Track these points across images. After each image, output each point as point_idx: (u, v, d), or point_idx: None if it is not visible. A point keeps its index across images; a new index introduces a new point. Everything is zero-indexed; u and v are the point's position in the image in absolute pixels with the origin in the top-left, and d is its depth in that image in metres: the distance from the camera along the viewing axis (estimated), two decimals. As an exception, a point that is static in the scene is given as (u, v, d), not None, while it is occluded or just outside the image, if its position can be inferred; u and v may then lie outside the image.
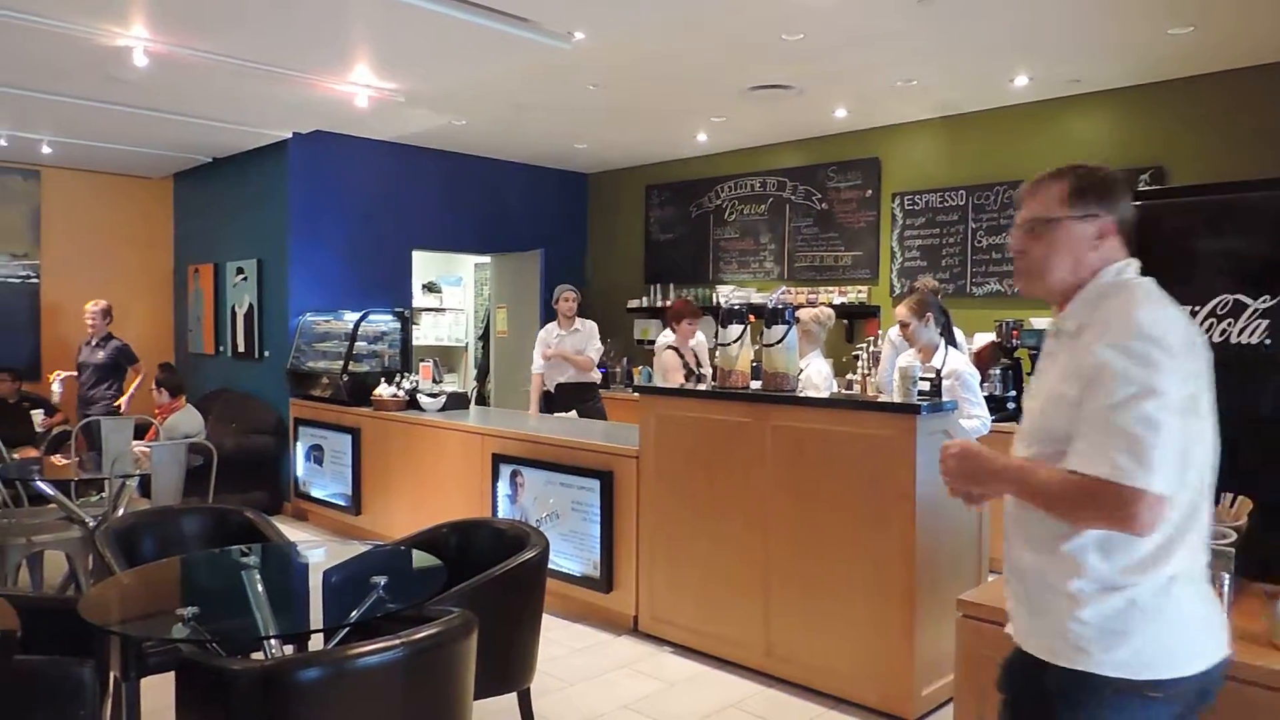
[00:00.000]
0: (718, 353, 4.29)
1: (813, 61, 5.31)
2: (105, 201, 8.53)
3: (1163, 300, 1.69)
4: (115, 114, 6.23)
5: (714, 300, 7.79)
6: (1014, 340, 5.59)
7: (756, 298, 7.28)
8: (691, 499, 4.17)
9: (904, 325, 4.43)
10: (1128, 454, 1.51)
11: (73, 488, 4.91)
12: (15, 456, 5.90)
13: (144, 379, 7.09)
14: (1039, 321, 5.61)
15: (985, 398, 5.50)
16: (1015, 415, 5.38)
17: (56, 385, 7.09)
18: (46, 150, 7.37)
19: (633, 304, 8.36)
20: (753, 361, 4.28)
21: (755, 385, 4.21)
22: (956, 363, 4.19)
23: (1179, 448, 1.55)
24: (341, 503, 6.46)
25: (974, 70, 5.55)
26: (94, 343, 7.05)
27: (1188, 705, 1.64)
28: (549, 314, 7.87)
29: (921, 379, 4.42)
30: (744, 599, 3.97)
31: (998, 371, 5.57)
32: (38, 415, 7.42)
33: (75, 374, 7.13)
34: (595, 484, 4.51)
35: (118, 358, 7.05)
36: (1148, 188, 5.28)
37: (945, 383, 3.92)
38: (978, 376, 4.33)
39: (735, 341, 4.16)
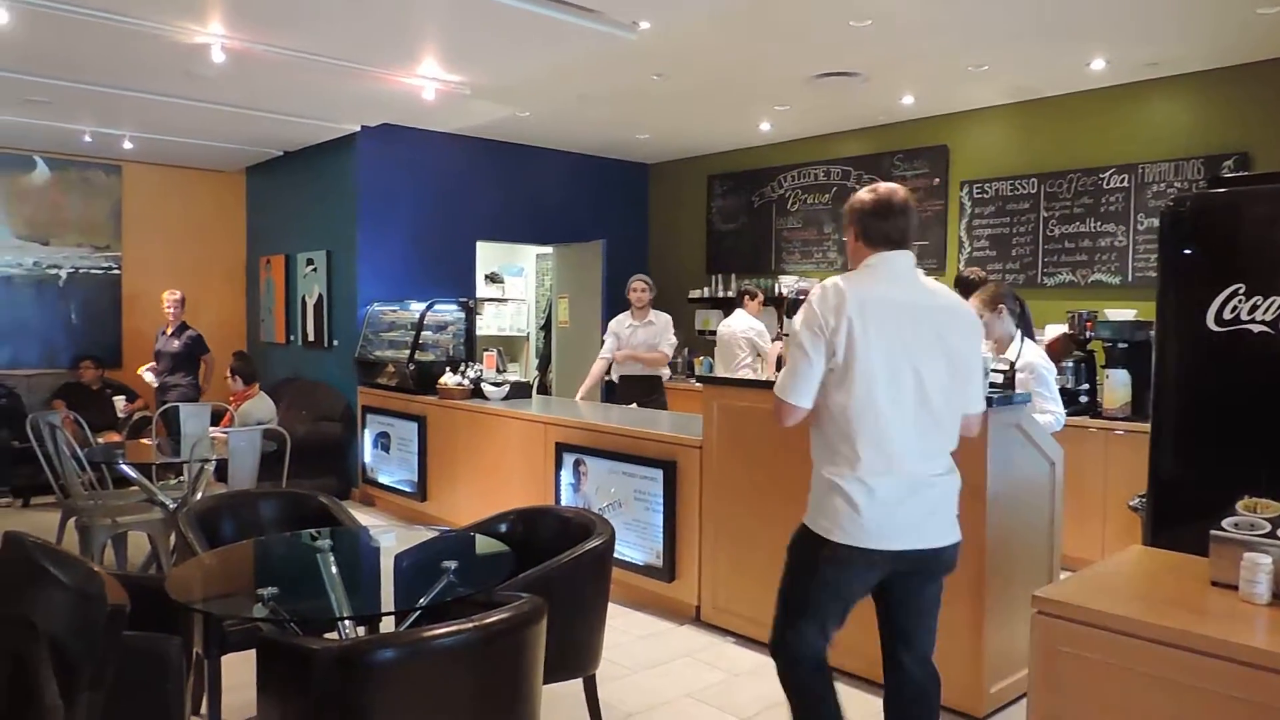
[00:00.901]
0: (782, 342, 4.26)
1: (881, 48, 5.23)
2: (182, 195, 8.81)
3: (849, 287, 2.44)
4: (192, 109, 6.42)
5: (776, 290, 7.75)
6: (1088, 332, 5.44)
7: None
8: (755, 490, 4.15)
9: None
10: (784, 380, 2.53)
11: (153, 471, 5.10)
12: (99, 441, 6.15)
13: (213, 369, 7.31)
14: (1114, 313, 5.46)
15: (1058, 391, 5.39)
16: (1089, 409, 5.27)
17: (150, 376, 7.33)
18: (127, 145, 7.63)
19: (694, 294, 8.34)
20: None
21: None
22: (1031, 355, 4.08)
23: (809, 382, 2.47)
24: (407, 489, 6.59)
25: (1048, 54, 5.41)
26: (170, 331, 7.28)
27: (879, 571, 2.53)
28: (611, 304, 7.90)
29: (994, 371, 4.33)
30: (808, 591, 3.94)
31: (1070, 364, 5.43)
32: (119, 401, 7.71)
33: (154, 363, 7.38)
34: (658, 474, 4.52)
35: (192, 347, 7.27)
36: (1231, 174, 5.09)
37: (1019, 376, 3.84)
38: (1053, 370, 4.22)
39: (800, 332, 4.11)
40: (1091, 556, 4.83)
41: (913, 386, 2.43)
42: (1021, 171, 6.42)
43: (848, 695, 3.81)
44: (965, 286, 5.71)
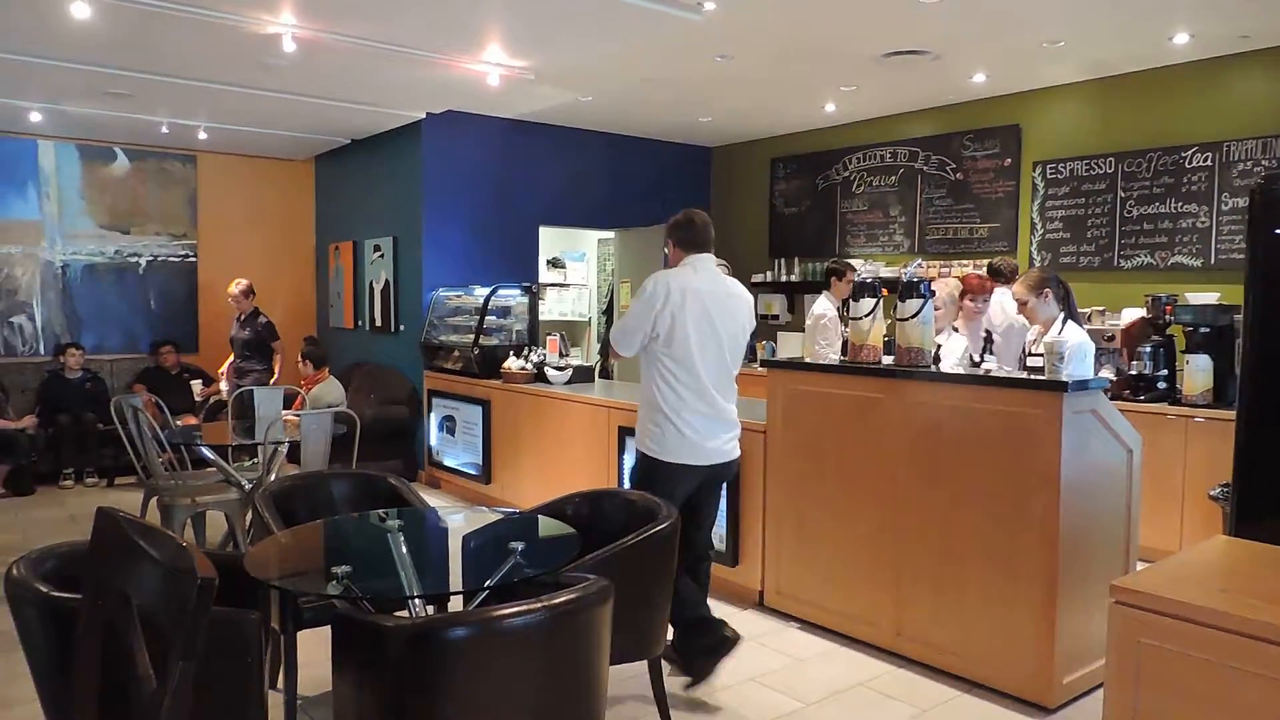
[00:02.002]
0: (849, 326, 4.21)
1: (952, 25, 5.09)
2: (253, 184, 9.04)
3: (672, 278, 3.47)
4: (264, 99, 6.56)
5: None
6: (1166, 316, 5.25)
7: (885, 272, 7.09)
8: (820, 475, 4.12)
9: (1022, 304, 4.27)
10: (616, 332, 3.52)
11: (229, 453, 5.25)
12: (178, 423, 6.36)
13: (283, 356, 7.47)
14: (1195, 297, 5.26)
15: (1133, 376, 5.23)
16: (1167, 395, 5.10)
17: (224, 386, 7.60)
18: (202, 136, 7.85)
19: (757, 278, 8.27)
20: (885, 336, 4.19)
21: (887, 360, 4.12)
22: (1071, 335, 4.00)
23: (636, 338, 3.44)
24: (472, 471, 6.68)
25: (1128, 28, 5.21)
26: (241, 319, 7.47)
27: (690, 477, 3.49)
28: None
29: (1033, 355, 4.23)
30: (874, 577, 3.91)
31: (1148, 349, 5.25)
32: (196, 385, 7.96)
33: (231, 358, 7.58)
34: (722, 458, 4.50)
35: (262, 334, 7.43)
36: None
37: (1043, 356, 3.75)
38: (1092, 349, 4.14)
39: (868, 315, 4.06)
40: (1169, 548, 4.69)
41: (714, 347, 3.50)
42: (1098, 151, 6.21)
43: (851, 658, 3.81)
44: (996, 275, 5.65)
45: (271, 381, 7.44)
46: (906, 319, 3.92)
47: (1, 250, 7.90)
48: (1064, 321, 4.12)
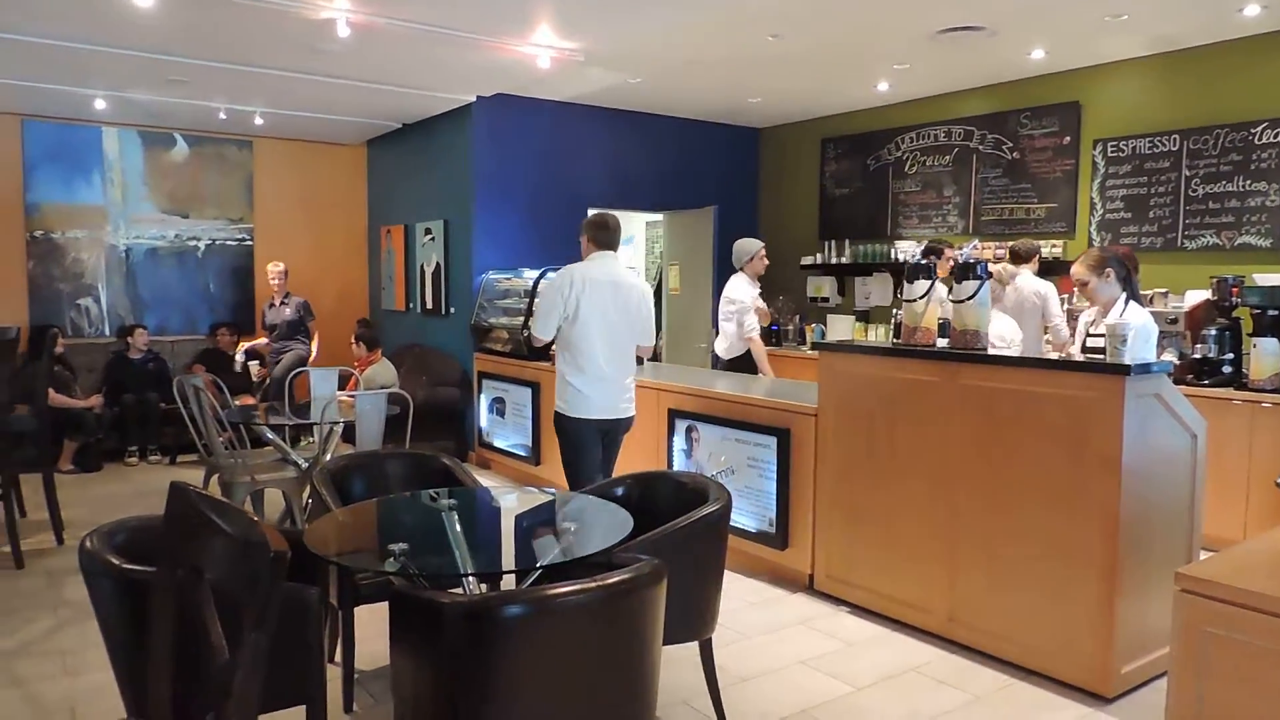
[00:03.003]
0: (902, 309, 4.15)
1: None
2: (307, 168, 9.18)
3: (578, 270, 4.19)
4: (318, 85, 6.65)
5: (892, 256, 7.55)
6: (1233, 298, 5.09)
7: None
8: (872, 459, 4.08)
9: (1083, 284, 4.16)
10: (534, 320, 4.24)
11: (286, 433, 5.37)
12: (236, 403, 6.51)
13: (318, 333, 7.63)
14: (1263, 278, 5.09)
15: (1197, 360, 5.09)
16: (1233, 380, 4.96)
17: (240, 356, 7.80)
18: (258, 121, 7.98)
19: (806, 260, 8.20)
20: (939, 318, 4.12)
21: (941, 343, 4.06)
22: (1133, 317, 3.88)
23: (550, 321, 4.13)
24: (522, 453, 6.74)
25: (1196, 1, 5.04)
26: (278, 302, 7.61)
27: (593, 432, 4.20)
28: (723, 271, 7.84)
29: (1093, 335, 4.13)
30: (926, 562, 3.87)
31: (1213, 332, 5.10)
32: (253, 366, 8.13)
33: (264, 338, 7.74)
34: (772, 441, 4.49)
35: (302, 312, 7.59)
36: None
37: (1103, 338, 3.66)
38: (1155, 332, 4.02)
39: (921, 297, 4.01)
40: (1233, 536, 4.57)
41: (608, 327, 4.19)
42: (1161, 128, 6.03)
43: (902, 643, 3.75)
44: (1016, 257, 5.61)
45: (310, 360, 7.58)
46: (962, 301, 3.86)
47: (69, 235, 8.13)
48: (1126, 302, 4.01)
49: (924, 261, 4.09)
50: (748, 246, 6.16)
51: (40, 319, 7.90)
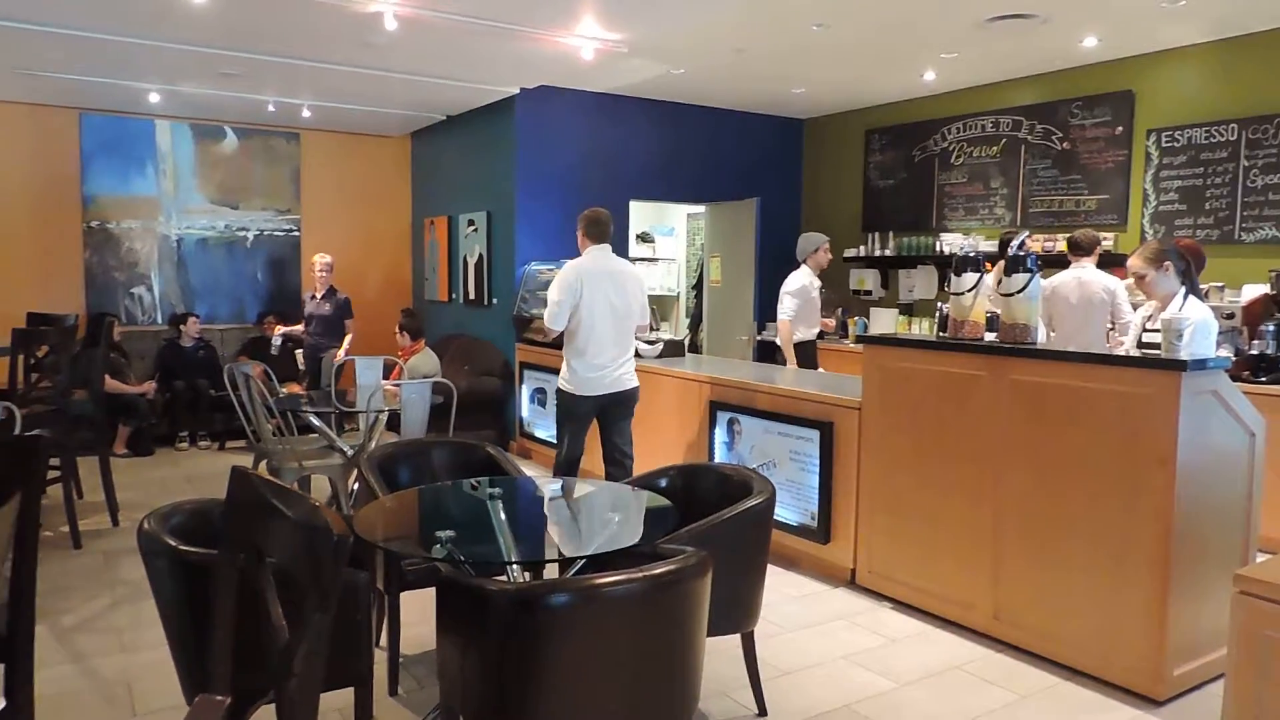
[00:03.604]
0: (948, 302, 4.10)
1: (1062, -14, 4.87)
2: (353, 160, 9.29)
3: (577, 264, 4.73)
4: (364, 77, 6.72)
5: (936, 249, 7.45)
6: (1293, 292, 4.96)
7: (985, 245, 6.87)
8: (917, 453, 4.04)
9: (1139, 278, 4.05)
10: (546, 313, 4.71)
11: (332, 420, 5.45)
12: (283, 391, 6.62)
13: (354, 334, 7.67)
14: (1326, 271, 4.95)
15: (1254, 356, 4.96)
16: (1293, 377, 4.82)
17: (276, 340, 7.85)
18: (306, 114, 8.09)
19: (849, 253, 8.12)
20: (987, 312, 4.07)
21: (989, 337, 4.01)
22: (1193, 312, 3.78)
23: (563, 314, 4.60)
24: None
25: (1258, -15, 4.90)
26: (319, 295, 7.67)
27: (590, 409, 4.72)
28: (764, 263, 7.82)
29: (1149, 330, 4.03)
30: (971, 559, 3.82)
31: (1271, 327, 4.97)
32: (299, 355, 8.26)
33: (302, 326, 7.80)
34: (815, 434, 4.46)
35: (342, 311, 7.62)
36: None
37: (1158, 333, 3.57)
38: (1215, 328, 3.90)
39: (970, 290, 3.95)
40: (1291, 537, 4.46)
41: (607, 312, 4.65)
42: (1219, 117, 5.88)
43: (945, 640, 3.70)
44: (1076, 249, 5.32)
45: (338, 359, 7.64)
46: (1012, 294, 3.80)
47: (124, 225, 8.32)
48: (1185, 297, 3.90)
49: (971, 254, 4.03)
50: (812, 240, 6.25)
51: (96, 307, 8.09)
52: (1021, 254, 3.87)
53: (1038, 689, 3.41)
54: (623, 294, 4.70)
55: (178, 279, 8.59)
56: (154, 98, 7.49)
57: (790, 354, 6.13)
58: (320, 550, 1.20)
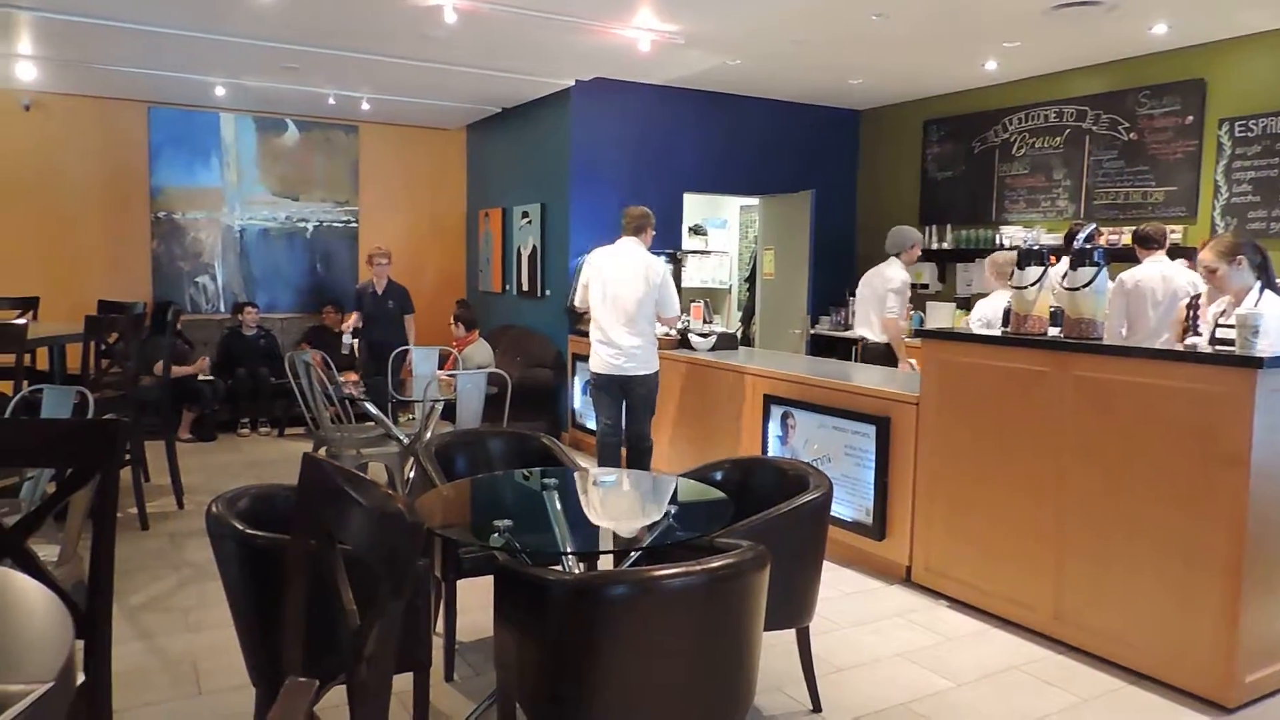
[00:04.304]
0: (1013, 296, 4.02)
1: (1133, -28, 4.73)
2: (409, 152, 9.40)
3: (602, 250, 5.27)
4: (423, 70, 6.80)
5: (996, 242, 7.31)
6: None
7: (1047, 239, 6.72)
8: (977, 450, 3.97)
9: (1211, 272, 3.91)
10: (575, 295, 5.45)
11: (390, 409, 5.53)
12: (342, 380, 6.73)
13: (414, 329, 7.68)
14: None
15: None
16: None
17: (347, 338, 7.80)
18: (365, 107, 8.21)
19: (906, 247, 7.99)
20: (1051, 306, 3.98)
21: (1053, 332, 3.92)
22: (1269, 307, 3.65)
23: (579, 292, 5.29)
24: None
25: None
26: (379, 290, 7.65)
27: (604, 384, 5.22)
28: (819, 256, 7.74)
29: (1222, 325, 3.90)
30: (1032, 558, 3.75)
31: (1351, 325, 4.77)
32: (356, 344, 8.37)
33: (356, 316, 7.80)
34: (871, 429, 4.41)
35: (403, 306, 7.61)
36: None
37: (1237, 330, 3.42)
38: None
39: (1034, 284, 3.87)
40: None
41: (614, 300, 5.08)
42: (1297, 106, 5.66)
43: (1004, 640, 3.62)
44: (1145, 242, 5.09)
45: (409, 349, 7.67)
46: (1077, 288, 3.71)
47: (190, 216, 8.54)
48: (1260, 291, 3.78)
49: (1035, 248, 3.94)
50: (908, 234, 6.09)
51: (162, 295, 8.32)
52: (1088, 247, 3.78)
53: (1100, 692, 3.33)
54: (628, 283, 5.07)
55: (240, 269, 8.79)
56: (219, 91, 7.66)
57: (903, 353, 5.89)
58: (397, 537, 1.22)
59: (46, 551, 2.59)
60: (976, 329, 5.07)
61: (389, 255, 7.66)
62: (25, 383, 4.39)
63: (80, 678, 1.72)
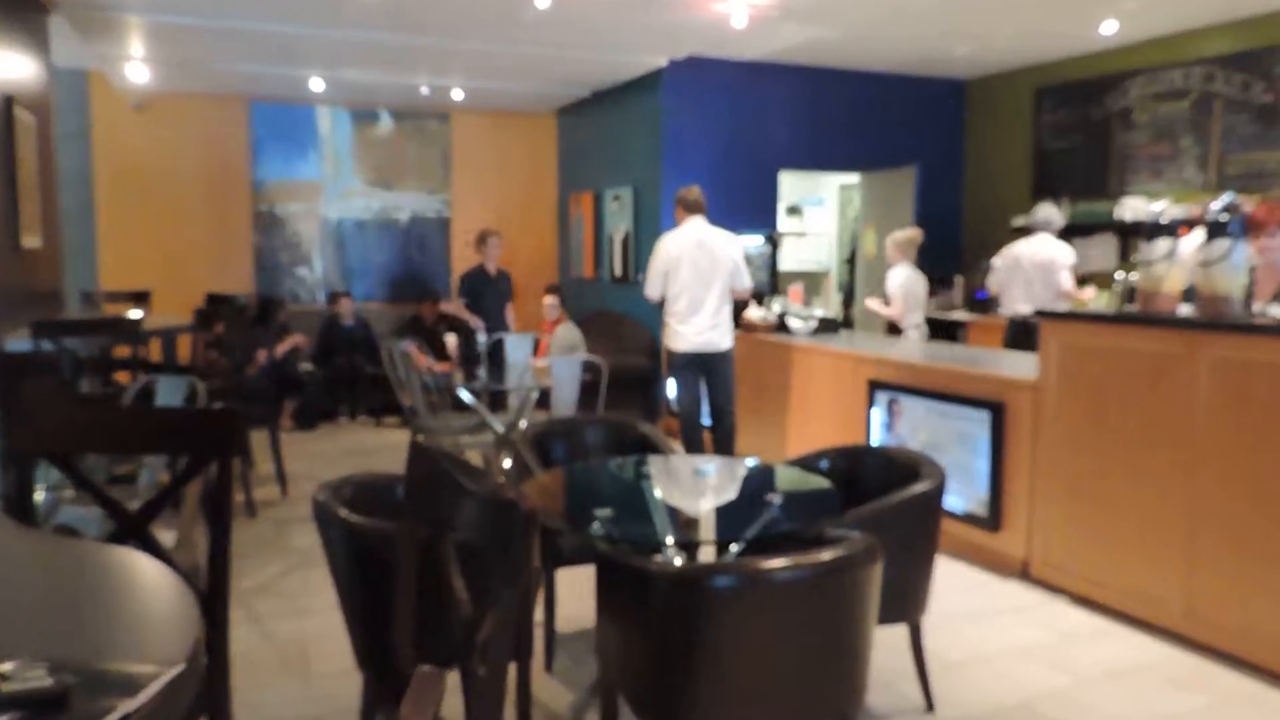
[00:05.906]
0: (1139, 272, 3.75)
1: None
2: (500, 139, 9.46)
3: (671, 235, 5.32)
4: (514, 55, 6.80)
5: (1116, 215, 6.89)
6: None
7: (1174, 211, 6.29)
8: (1100, 437, 3.72)
9: None
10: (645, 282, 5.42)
11: (486, 397, 5.55)
12: (437, 370, 6.81)
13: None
14: None
15: None
16: None
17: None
18: (457, 95, 8.27)
19: (1018, 221, 7.62)
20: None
21: (1185, 310, 3.64)
22: None
23: (655, 281, 5.28)
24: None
25: None
26: (493, 271, 7.67)
27: (688, 363, 5.29)
28: (925, 233, 7.43)
29: None
30: (1160, 552, 3.50)
31: None
32: (450, 338, 8.39)
33: (460, 302, 7.70)
34: (984, 415, 4.19)
35: (509, 289, 7.57)
36: None
37: None
38: None
39: (1164, 259, 3.59)
40: None
41: (695, 279, 5.14)
42: None
43: (1130, 638, 3.36)
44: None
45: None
46: (1212, 263, 3.43)
47: (289, 208, 8.78)
48: None
49: (1167, 221, 3.66)
50: (1058, 213, 6.18)
51: (264, 287, 8.59)
52: (1225, 218, 3.49)
53: (1236, 694, 3.10)
54: (711, 258, 5.18)
55: (337, 260, 9.00)
56: (317, 85, 7.83)
57: None
58: (510, 525, 1.19)
59: (163, 538, 2.65)
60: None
61: (499, 235, 7.38)
62: (141, 373, 4.55)
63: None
